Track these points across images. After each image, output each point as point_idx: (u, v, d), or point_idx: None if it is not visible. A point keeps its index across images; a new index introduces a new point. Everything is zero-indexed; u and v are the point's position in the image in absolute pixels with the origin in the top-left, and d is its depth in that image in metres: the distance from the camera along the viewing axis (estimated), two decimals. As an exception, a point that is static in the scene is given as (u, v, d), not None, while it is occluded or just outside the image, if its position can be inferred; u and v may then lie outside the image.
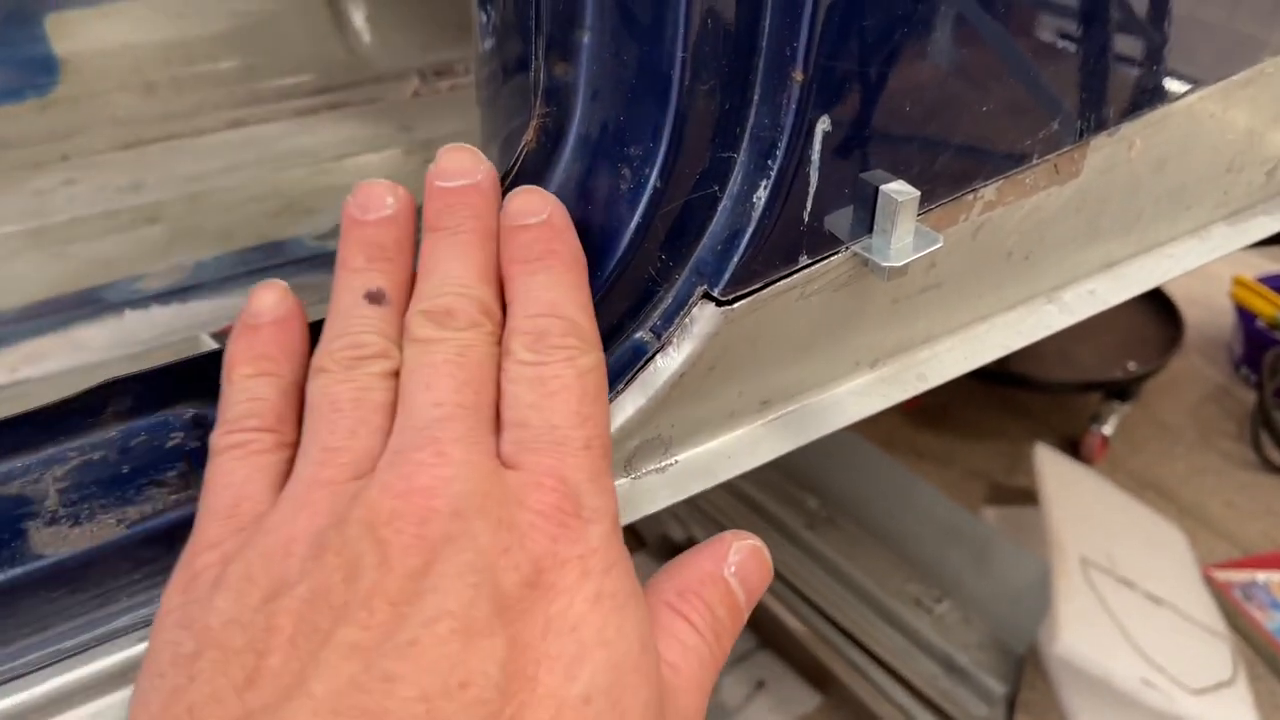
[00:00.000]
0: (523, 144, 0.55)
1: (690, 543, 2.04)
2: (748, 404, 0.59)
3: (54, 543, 0.44)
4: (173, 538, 0.46)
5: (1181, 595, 1.91)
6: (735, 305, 0.55)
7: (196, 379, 0.50)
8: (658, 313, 0.56)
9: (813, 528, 2.07)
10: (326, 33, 1.50)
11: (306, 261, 1.11)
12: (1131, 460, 2.28)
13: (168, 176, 1.22)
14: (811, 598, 1.92)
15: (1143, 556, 1.97)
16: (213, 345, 0.85)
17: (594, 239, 0.54)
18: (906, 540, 2.01)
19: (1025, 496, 2.17)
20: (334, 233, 1.16)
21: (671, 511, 2.09)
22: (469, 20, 1.53)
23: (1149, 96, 0.65)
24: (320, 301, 1.06)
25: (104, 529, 0.45)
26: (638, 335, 0.56)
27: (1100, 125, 0.64)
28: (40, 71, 1.32)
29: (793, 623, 1.86)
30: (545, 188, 0.55)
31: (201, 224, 1.15)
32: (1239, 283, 2.47)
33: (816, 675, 1.81)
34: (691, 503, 2.12)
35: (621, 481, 0.56)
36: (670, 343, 0.55)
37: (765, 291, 0.55)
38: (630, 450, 0.56)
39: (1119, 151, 0.66)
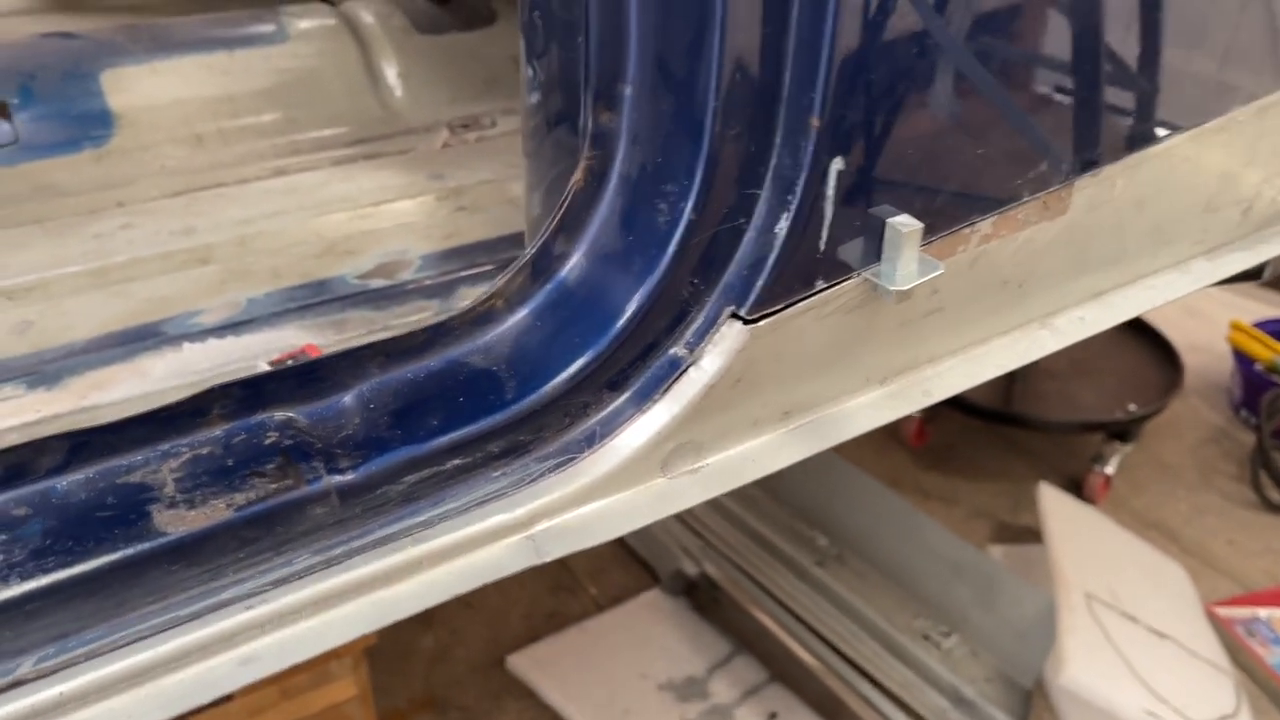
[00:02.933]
0: (571, 184, 0.62)
1: (705, 579, 2.09)
2: (770, 414, 0.66)
3: (174, 523, 0.51)
4: (273, 521, 0.53)
5: (1185, 630, 1.95)
6: (759, 323, 0.62)
7: (288, 386, 0.57)
8: (690, 330, 0.63)
9: (823, 564, 2.13)
10: (362, 88, 1.59)
11: (350, 299, 1.18)
12: (1134, 500, 2.34)
13: (217, 221, 1.30)
14: (822, 632, 1.97)
15: (1146, 592, 2.01)
16: (271, 372, 0.93)
17: (634, 267, 0.61)
18: (914, 576, 2.06)
19: (1030, 535, 2.22)
20: (375, 271, 1.24)
21: (684, 548, 2.14)
22: (494, 77, 1.61)
23: (1128, 141, 0.73)
24: (365, 333, 1.13)
25: (216, 511, 0.52)
26: (673, 350, 0.63)
27: (1084, 167, 0.71)
28: (96, 124, 1.40)
29: (804, 656, 1.91)
30: (591, 222, 0.63)
31: (251, 264, 1.23)
32: (1236, 328, 2.53)
33: (828, 708, 1.86)
34: (704, 539, 2.17)
35: (657, 481, 0.63)
36: (702, 356, 0.62)
37: (786, 312, 0.62)
38: (666, 453, 0.63)
39: (1103, 191, 0.73)
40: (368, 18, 1.61)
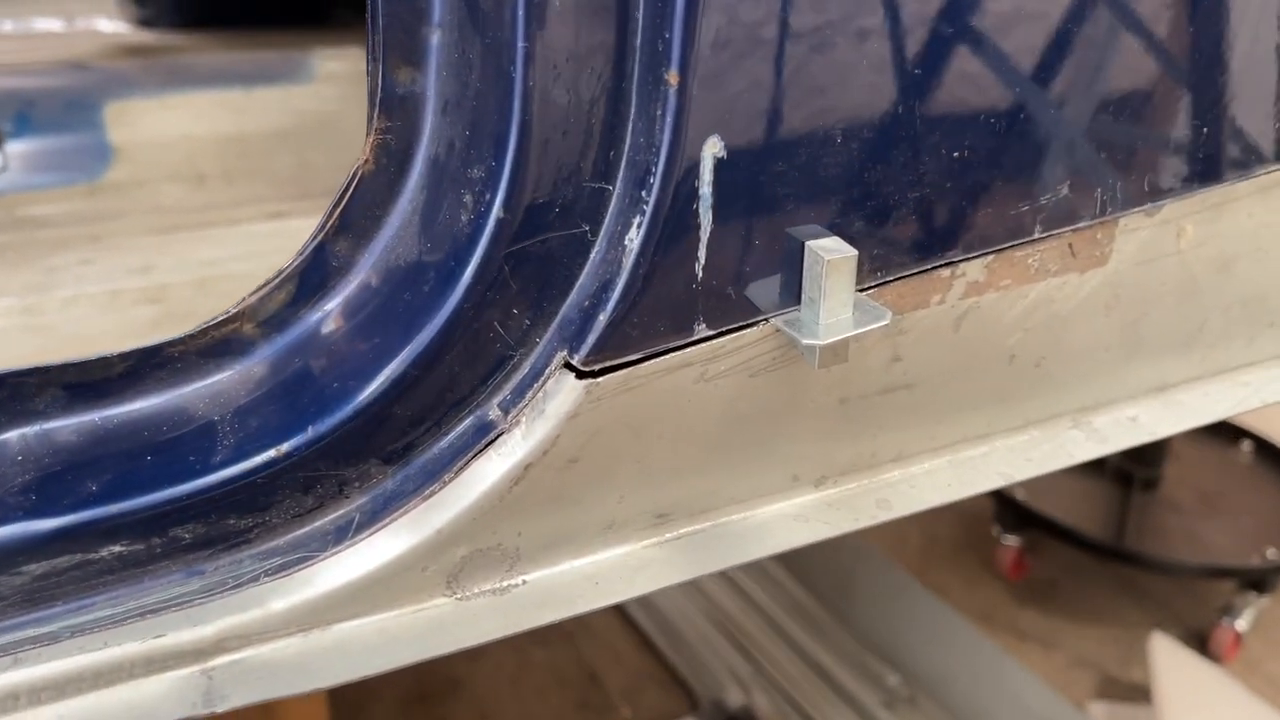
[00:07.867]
0: (357, 165, 0.44)
1: (747, 712, 1.84)
2: (634, 515, 0.46)
3: None
4: None
5: (1327, 832, 1.60)
6: (601, 379, 0.42)
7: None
8: (510, 384, 0.44)
9: (891, 707, 1.85)
10: (388, 136, 1.46)
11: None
12: (1270, 663, 1.99)
13: (182, 260, 1.18)
14: (883, 790, 1.69)
15: (1279, 779, 1.67)
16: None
17: (427, 285, 0.43)
18: (996, 732, 1.76)
19: (1142, 693, 1.90)
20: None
21: (733, 671, 1.90)
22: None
23: (1203, 169, 0.51)
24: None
25: None
26: (480, 411, 0.44)
27: (1131, 200, 0.50)
28: (93, 157, 1.31)
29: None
30: (385, 221, 0.45)
31: (198, 307, 1.09)
32: (1404, 468, 2.17)
33: None
34: (757, 666, 1.93)
35: (438, 602, 0.43)
36: (518, 422, 0.43)
37: (644, 366, 0.42)
38: (456, 561, 0.43)
39: (1163, 238, 0.51)
40: (404, 63, 1.50)
